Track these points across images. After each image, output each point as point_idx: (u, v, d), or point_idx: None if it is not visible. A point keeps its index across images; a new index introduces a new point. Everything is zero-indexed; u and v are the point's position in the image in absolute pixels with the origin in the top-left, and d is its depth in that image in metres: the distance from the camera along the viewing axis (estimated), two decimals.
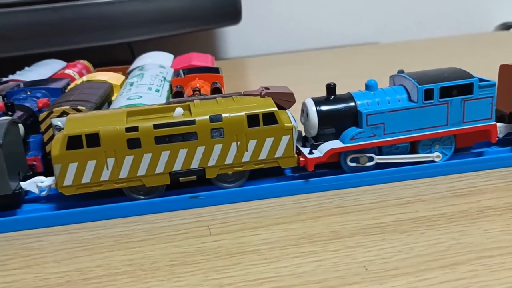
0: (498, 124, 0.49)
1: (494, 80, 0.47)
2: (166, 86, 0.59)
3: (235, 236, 0.39)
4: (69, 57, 0.90)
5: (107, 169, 0.43)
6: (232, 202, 0.45)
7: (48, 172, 0.47)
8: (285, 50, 1.29)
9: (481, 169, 0.47)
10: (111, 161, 0.43)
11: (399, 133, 0.45)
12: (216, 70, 0.62)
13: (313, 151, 0.45)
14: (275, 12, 1.30)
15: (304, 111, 0.47)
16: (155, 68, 0.65)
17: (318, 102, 0.46)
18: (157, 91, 0.56)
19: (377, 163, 0.46)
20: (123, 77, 0.66)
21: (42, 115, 0.49)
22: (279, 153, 0.44)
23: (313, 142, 0.47)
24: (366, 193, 0.44)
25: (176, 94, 0.55)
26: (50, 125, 0.49)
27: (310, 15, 1.31)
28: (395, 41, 1.31)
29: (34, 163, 0.49)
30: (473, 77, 0.46)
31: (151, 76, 0.61)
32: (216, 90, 0.55)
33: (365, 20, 1.33)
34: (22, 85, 0.63)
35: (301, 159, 0.45)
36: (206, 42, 1.34)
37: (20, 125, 0.49)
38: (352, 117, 0.46)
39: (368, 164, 0.46)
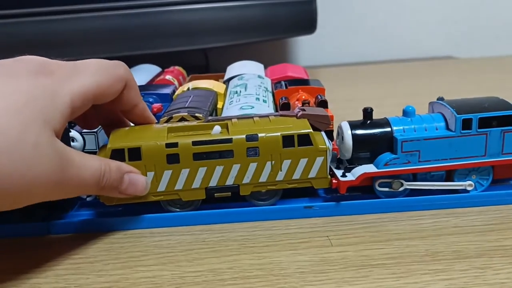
0: None
1: None
2: (270, 97, 0.61)
3: (357, 248, 0.41)
4: (145, 61, 0.94)
5: None
6: (345, 214, 0.46)
7: None
8: (356, 61, 1.30)
9: None
10: (150, 175, 0.44)
11: (435, 161, 0.45)
12: (317, 82, 0.64)
13: (346, 174, 0.46)
14: (348, 23, 1.31)
15: (340, 134, 0.47)
16: (255, 79, 0.68)
17: (354, 125, 0.47)
18: (265, 101, 0.58)
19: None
20: (224, 86, 0.69)
21: (162, 120, 0.52)
22: (312, 173, 0.45)
23: (347, 165, 0.47)
24: (482, 214, 0.45)
25: (283, 106, 0.57)
26: None
27: (383, 27, 1.31)
28: (470, 56, 1.29)
29: None
30: None
31: (254, 86, 0.63)
32: (323, 103, 0.57)
33: (440, 34, 1.32)
34: None
35: (334, 181, 0.46)
36: (278, 50, 1.36)
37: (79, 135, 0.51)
38: (387, 143, 0.46)
39: (401, 189, 0.46)
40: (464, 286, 0.35)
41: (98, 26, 1.08)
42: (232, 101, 0.59)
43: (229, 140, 0.45)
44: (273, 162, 0.45)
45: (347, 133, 0.46)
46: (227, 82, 0.72)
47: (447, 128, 0.46)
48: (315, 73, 1.23)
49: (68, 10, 1.06)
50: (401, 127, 0.46)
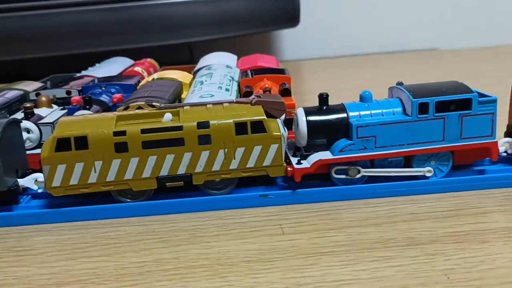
0: (508, 139, 0.47)
1: (496, 96, 0.44)
2: (235, 86, 0.60)
3: (308, 236, 0.39)
4: (130, 55, 0.92)
5: (95, 172, 0.43)
6: (301, 203, 0.45)
7: None
8: (341, 54, 1.28)
9: None
10: (98, 164, 0.43)
11: (392, 147, 0.44)
12: (283, 71, 0.62)
13: (302, 161, 0.45)
14: (332, 16, 1.29)
15: (295, 121, 0.46)
16: (222, 68, 0.66)
17: (309, 112, 0.45)
18: (227, 90, 0.57)
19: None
20: (191, 76, 0.68)
21: (119, 109, 0.51)
22: (267, 161, 0.44)
23: (304, 152, 0.46)
24: (440, 200, 0.44)
25: (245, 94, 0.56)
26: None
27: (368, 20, 1.30)
28: (455, 48, 1.28)
29: None
30: (472, 92, 0.44)
31: (220, 75, 0.62)
32: (285, 92, 0.56)
33: (424, 26, 1.31)
34: (96, 80, 0.65)
35: (289, 169, 0.44)
36: (263, 44, 1.35)
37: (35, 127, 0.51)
38: (343, 129, 0.45)
39: (358, 176, 0.45)
40: (412, 272, 0.34)
41: (81, 21, 1.06)
42: (194, 90, 0.57)
43: (180, 128, 0.43)
44: (226, 150, 0.44)
45: (302, 119, 0.45)
46: (195, 72, 0.71)
47: (404, 113, 0.45)
48: (300, 66, 1.22)
49: (52, 5, 1.05)
50: (357, 113, 0.45)
